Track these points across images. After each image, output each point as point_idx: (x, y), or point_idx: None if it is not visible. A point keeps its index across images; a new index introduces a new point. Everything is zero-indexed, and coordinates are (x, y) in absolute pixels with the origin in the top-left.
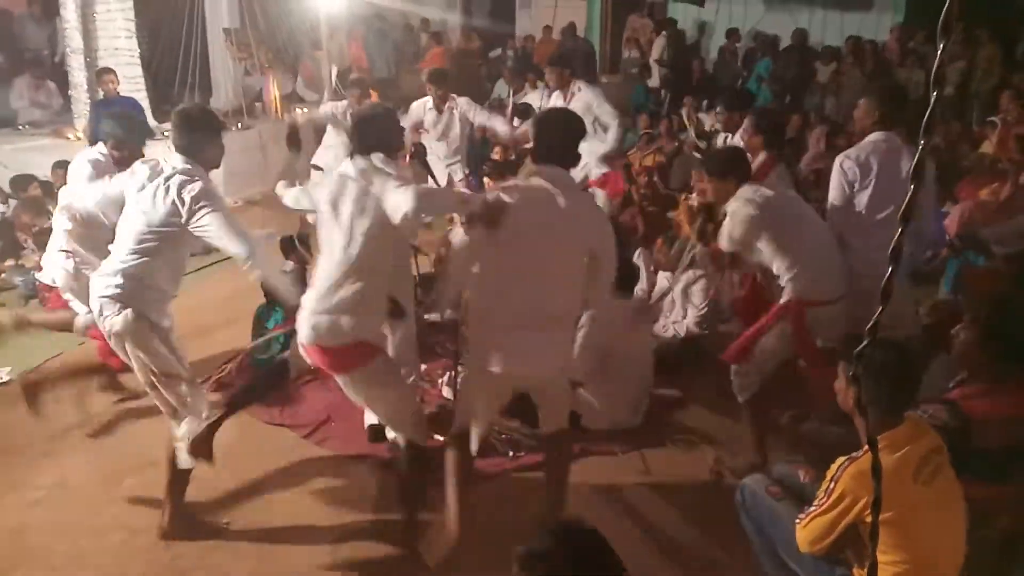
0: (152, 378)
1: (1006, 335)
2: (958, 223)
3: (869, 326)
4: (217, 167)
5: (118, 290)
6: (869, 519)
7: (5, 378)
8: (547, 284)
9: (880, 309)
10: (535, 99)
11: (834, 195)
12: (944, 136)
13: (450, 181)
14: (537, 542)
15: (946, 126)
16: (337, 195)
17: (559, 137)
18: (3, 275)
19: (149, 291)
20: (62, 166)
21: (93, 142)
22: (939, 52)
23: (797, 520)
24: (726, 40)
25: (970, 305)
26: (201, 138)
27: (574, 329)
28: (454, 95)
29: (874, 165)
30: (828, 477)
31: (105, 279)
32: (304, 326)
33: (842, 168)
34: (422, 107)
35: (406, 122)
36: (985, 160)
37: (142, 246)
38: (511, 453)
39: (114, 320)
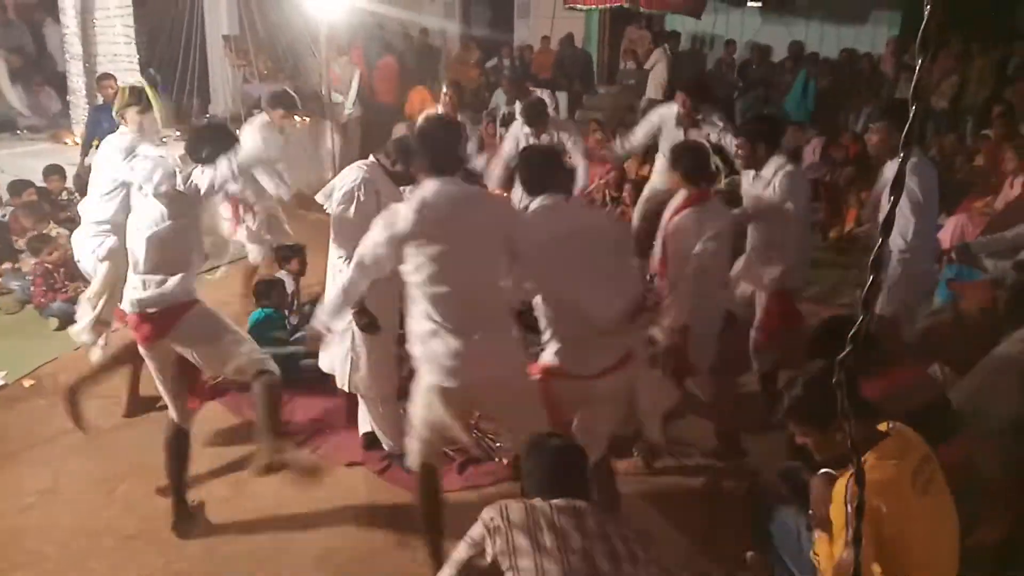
0: None
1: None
2: (952, 235)
3: (851, 334)
4: None
5: None
6: (886, 529)
7: (1, 382)
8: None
9: (862, 318)
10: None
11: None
12: (938, 149)
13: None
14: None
15: (940, 139)
16: None
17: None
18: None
19: None
20: (55, 171)
21: (87, 147)
22: (917, 67)
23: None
24: (724, 51)
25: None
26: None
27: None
28: (553, 131)
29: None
30: (838, 502)
31: None
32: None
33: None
34: (519, 138)
35: (505, 143)
36: (979, 173)
37: None
38: (504, 460)
39: None
